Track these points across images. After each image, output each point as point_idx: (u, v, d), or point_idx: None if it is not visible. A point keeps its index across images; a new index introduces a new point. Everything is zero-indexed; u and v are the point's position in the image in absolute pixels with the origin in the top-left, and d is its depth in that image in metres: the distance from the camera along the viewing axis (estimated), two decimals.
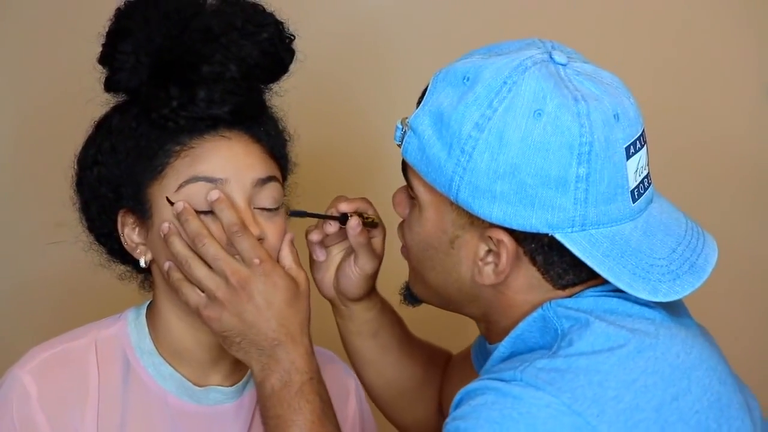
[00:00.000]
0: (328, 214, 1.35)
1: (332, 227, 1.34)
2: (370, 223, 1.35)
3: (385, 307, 1.44)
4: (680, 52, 2.01)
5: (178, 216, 1.22)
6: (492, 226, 1.14)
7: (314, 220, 1.36)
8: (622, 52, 1.80)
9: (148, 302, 1.34)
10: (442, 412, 1.50)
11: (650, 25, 2.00)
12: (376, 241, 1.37)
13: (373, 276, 1.39)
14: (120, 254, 1.32)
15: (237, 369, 1.33)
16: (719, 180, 2.04)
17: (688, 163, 1.99)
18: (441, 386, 1.51)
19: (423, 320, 1.56)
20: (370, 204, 1.37)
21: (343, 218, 1.34)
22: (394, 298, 1.39)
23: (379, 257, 1.38)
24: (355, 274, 1.37)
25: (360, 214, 1.34)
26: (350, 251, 1.37)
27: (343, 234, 1.35)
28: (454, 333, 1.56)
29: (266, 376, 1.20)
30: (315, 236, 1.37)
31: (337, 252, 1.39)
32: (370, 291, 1.40)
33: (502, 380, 1.10)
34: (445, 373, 1.51)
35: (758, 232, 2.05)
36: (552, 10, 1.97)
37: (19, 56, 1.93)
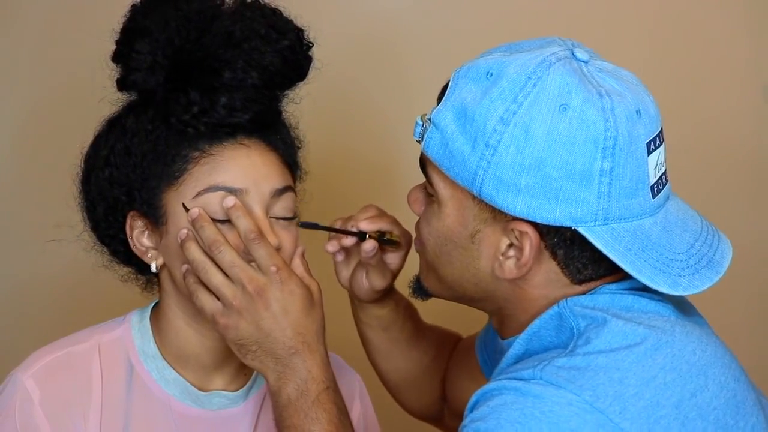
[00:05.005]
0: (352, 223, 1.33)
1: (349, 241, 1.34)
2: (391, 242, 1.34)
3: (400, 305, 1.44)
4: (679, 52, 2.03)
5: (193, 222, 1.20)
6: (515, 219, 1.14)
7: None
8: (622, 52, 1.80)
9: (153, 305, 1.32)
10: (445, 398, 1.51)
11: (650, 26, 2.02)
12: (393, 257, 1.37)
13: (383, 290, 1.38)
14: (123, 256, 1.30)
15: (241, 374, 1.32)
16: (718, 180, 2.06)
17: (687, 163, 1.99)
18: (445, 371, 1.51)
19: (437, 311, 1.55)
20: (398, 224, 1.36)
21: (361, 235, 1.33)
22: (403, 292, 1.39)
23: (392, 275, 1.38)
24: (366, 285, 1.38)
25: (383, 233, 1.33)
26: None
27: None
28: (468, 324, 1.55)
29: (282, 385, 1.19)
30: (331, 248, 1.37)
31: (356, 253, 1.38)
32: (383, 297, 1.41)
33: (521, 379, 1.09)
34: (450, 357, 1.52)
35: (758, 232, 2.07)
36: (557, 12, 1.98)
37: (18, 56, 1.91)
